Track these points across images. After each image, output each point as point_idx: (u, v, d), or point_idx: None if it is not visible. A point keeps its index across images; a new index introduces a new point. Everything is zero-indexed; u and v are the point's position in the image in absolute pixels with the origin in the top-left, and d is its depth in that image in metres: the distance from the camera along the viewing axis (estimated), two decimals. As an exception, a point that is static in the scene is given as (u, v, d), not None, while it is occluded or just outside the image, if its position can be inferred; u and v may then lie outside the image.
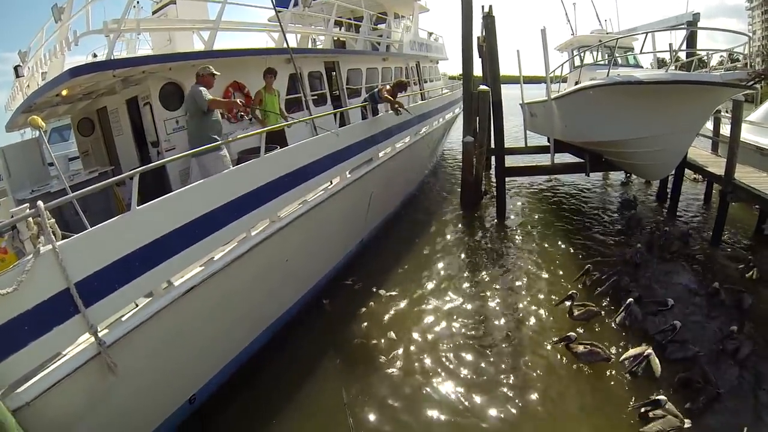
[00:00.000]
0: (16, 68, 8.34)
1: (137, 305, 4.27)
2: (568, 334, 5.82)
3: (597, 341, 5.77)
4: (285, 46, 7.70)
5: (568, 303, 6.53)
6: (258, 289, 5.90)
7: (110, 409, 4.02)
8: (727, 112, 10.76)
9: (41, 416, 3.42)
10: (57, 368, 3.55)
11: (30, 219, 3.54)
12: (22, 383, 3.37)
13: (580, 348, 5.65)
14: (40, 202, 3.51)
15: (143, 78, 7.03)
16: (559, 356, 5.82)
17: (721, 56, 11.00)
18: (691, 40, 10.86)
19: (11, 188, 8.07)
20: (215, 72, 6.23)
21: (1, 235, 3.85)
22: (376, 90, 9.49)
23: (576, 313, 6.45)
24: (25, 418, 3.27)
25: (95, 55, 8.82)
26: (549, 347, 5.97)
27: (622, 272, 7.48)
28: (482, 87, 11.44)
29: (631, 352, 5.49)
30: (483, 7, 11.99)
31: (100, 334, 3.75)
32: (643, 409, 4.68)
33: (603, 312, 6.59)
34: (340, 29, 11.90)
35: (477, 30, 12.59)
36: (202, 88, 5.95)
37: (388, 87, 9.48)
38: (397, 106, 9.35)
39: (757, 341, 5.75)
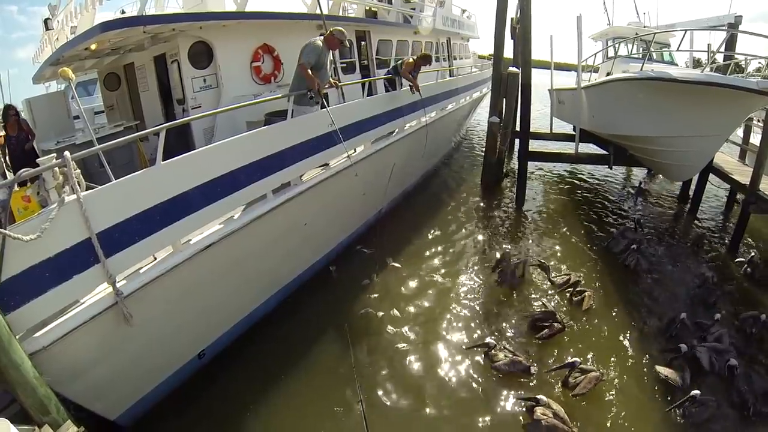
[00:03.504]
0: (45, 21, 8.35)
1: (156, 258, 4.32)
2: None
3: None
4: (318, 11, 7.58)
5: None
6: (275, 250, 5.93)
7: (123, 358, 4.12)
8: (759, 121, 10.49)
9: (57, 361, 3.50)
10: (74, 315, 3.61)
11: (56, 169, 3.57)
12: (40, 328, 3.44)
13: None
14: (66, 152, 3.52)
15: (173, 35, 7.00)
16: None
17: (760, 63, 10.58)
18: (730, 43, 10.45)
19: (36, 139, 8.14)
20: (345, 41, 6.46)
21: (26, 184, 3.91)
22: (400, 62, 9.32)
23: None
24: (41, 362, 3.35)
25: (123, 12, 8.82)
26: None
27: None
28: (512, 69, 11.20)
29: None
30: (520, -12, 11.63)
31: (118, 285, 3.80)
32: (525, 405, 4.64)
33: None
34: (373, -1, 11.67)
35: (511, 11, 12.23)
36: (316, 47, 6.11)
37: (411, 60, 9.21)
38: (413, 87, 9.06)
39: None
